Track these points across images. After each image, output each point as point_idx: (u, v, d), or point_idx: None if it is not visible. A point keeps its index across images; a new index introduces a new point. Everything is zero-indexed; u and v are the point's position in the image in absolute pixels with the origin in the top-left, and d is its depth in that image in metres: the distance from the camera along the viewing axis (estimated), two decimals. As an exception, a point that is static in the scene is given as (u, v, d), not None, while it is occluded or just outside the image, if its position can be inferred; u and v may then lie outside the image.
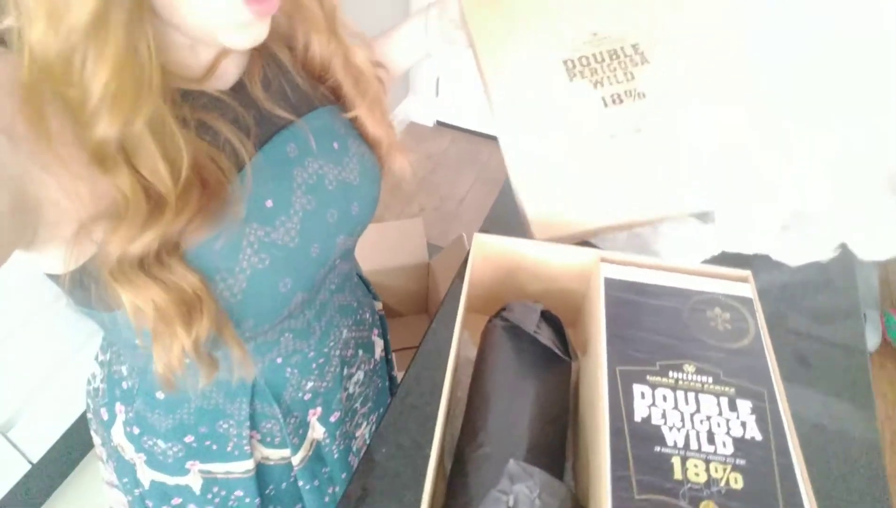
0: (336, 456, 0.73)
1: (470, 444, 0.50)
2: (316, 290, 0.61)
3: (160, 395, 0.62)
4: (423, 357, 0.67)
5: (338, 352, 0.69)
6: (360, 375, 0.75)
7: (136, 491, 0.69)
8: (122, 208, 0.41)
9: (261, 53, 0.55)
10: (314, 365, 0.66)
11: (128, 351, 0.61)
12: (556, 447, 0.52)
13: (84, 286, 0.46)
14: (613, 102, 0.65)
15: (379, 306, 0.84)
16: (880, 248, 0.68)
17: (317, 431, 0.71)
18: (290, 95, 0.56)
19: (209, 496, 0.68)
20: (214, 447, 0.65)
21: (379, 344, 0.81)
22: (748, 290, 0.57)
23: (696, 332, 0.53)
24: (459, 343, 0.54)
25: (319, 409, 0.69)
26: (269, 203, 0.51)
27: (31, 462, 1.35)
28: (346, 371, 0.71)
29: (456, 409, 0.58)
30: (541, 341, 0.54)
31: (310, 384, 0.67)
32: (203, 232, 0.46)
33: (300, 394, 0.66)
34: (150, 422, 0.63)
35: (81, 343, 1.40)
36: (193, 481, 0.67)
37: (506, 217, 0.82)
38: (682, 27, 0.66)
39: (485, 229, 0.81)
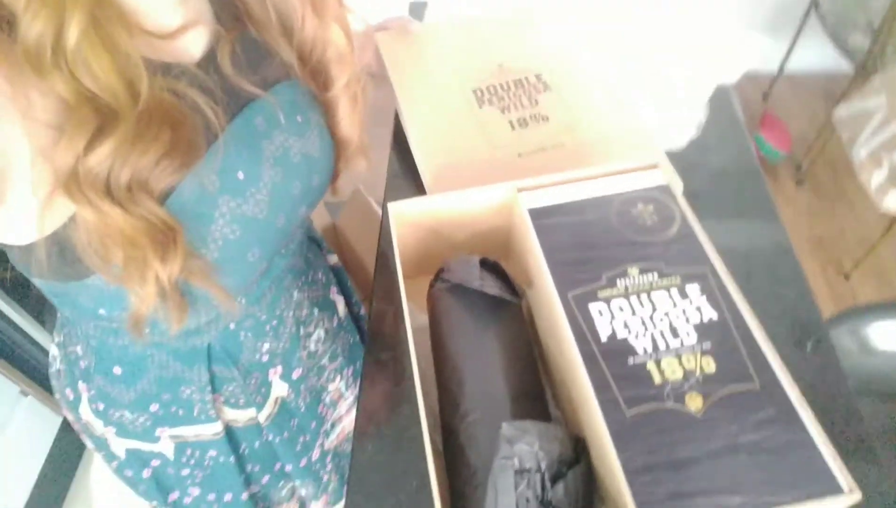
0: (303, 409, 0.74)
1: (455, 416, 0.50)
2: (276, 257, 0.61)
3: (117, 370, 0.62)
4: (377, 341, 0.65)
5: (291, 313, 0.69)
6: (320, 333, 0.75)
7: (114, 463, 0.72)
8: (66, 116, 0.40)
9: (234, 26, 0.54)
10: (267, 327, 0.66)
11: (84, 328, 0.62)
12: (535, 386, 0.52)
13: (60, 252, 0.45)
14: (520, 125, 0.74)
15: (333, 259, 0.85)
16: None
17: (280, 388, 0.71)
18: (258, 67, 0.55)
19: (183, 458, 0.70)
20: (181, 412, 0.66)
21: (340, 301, 0.81)
22: (660, 177, 0.58)
23: (629, 233, 0.54)
24: (412, 322, 0.52)
25: (280, 368, 0.70)
26: (241, 175, 0.51)
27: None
28: (302, 331, 0.71)
29: (425, 382, 0.57)
30: (488, 292, 0.53)
31: (266, 346, 0.67)
32: (173, 176, 0.45)
33: (257, 355, 0.67)
34: (113, 396, 0.64)
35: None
36: (165, 447, 0.69)
37: (402, 175, 0.78)
38: (576, 58, 0.81)
39: (389, 195, 0.78)
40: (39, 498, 1.38)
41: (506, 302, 0.55)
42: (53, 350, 0.71)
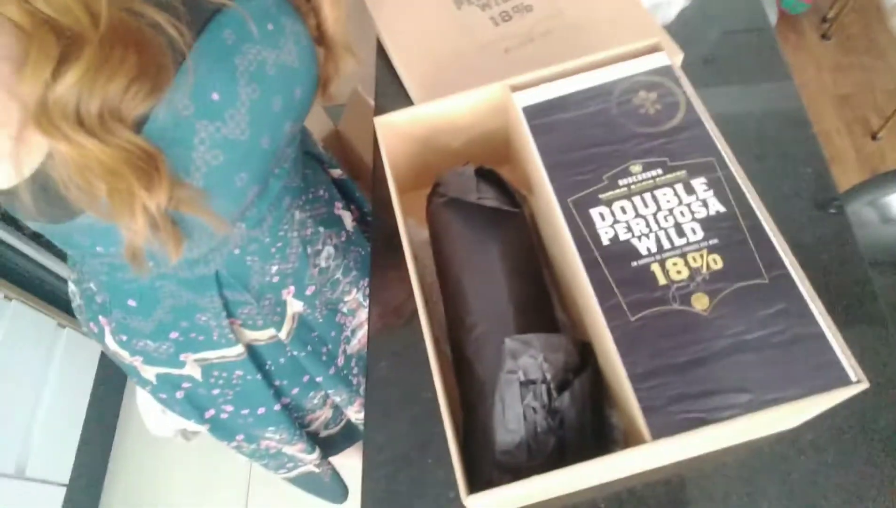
0: (322, 321, 0.76)
1: (461, 330, 0.50)
2: (268, 180, 0.59)
3: (132, 303, 0.63)
4: (379, 256, 0.64)
5: (295, 233, 0.68)
6: (329, 250, 0.74)
7: (147, 388, 0.74)
8: (25, 47, 0.38)
9: None
10: (273, 250, 0.66)
11: (91, 266, 0.61)
12: (539, 296, 0.51)
13: (43, 193, 0.44)
14: (503, 19, 0.71)
15: (337, 173, 0.83)
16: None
17: (295, 306, 0.72)
18: None
19: (212, 380, 0.72)
20: (201, 338, 0.67)
21: (347, 216, 0.80)
22: (663, 58, 0.53)
23: (631, 126, 0.50)
24: (410, 238, 0.50)
25: (292, 287, 0.70)
26: (216, 96, 0.48)
27: (63, 485, 1.36)
28: (309, 250, 0.71)
29: (433, 295, 0.57)
30: (486, 204, 0.51)
31: (274, 268, 0.67)
32: (145, 102, 0.43)
33: (267, 278, 0.67)
34: (133, 327, 0.65)
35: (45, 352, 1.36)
36: (193, 370, 0.71)
37: (391, 83, 0.74)
38: None
39: (379, 106, 0.74)
40: (94, 421, 1.49)
41: (506, 212, 0.53)
42: (71, 287, 0.72)
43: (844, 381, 0.39)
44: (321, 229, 0.72)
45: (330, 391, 0.82)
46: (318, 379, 0.80)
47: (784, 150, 0.63)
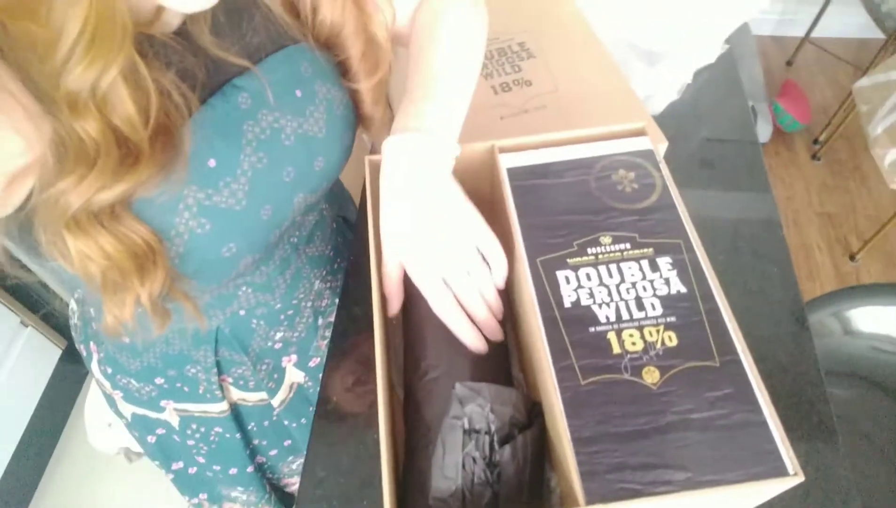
0: (318, 396, 0.71)
1: (415, 374, 0.50)
2: (271, 249, 0.56)
3: (126, 339, 0.61)
4: (349, 295, 0.65)
5: (310, 303, 0.66)
6: None
7: (122, 422, 0.72)
8: (91, 155, 0.38)
9: None
10: (282, 317, 0.63)
11: (91, 292, 0.59)
12: (498, 348, 0.52)
13: (23, 237, 0.43)
14: (503, 89, 0.75)
15: None
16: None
17: (295, 375, 0.69)
18: (250, 34, 0.48)
19: (189, 430, 0.69)
20: (186, 388, 0.64)
21: None
22: (647, 142, 0.56)
23: (607, 200, 0.52)
24: (380, 283, 0.51)
25: (294, 356, 0.68)
26: (212, 163, 0.46)
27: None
28: (321, 321, 0.69)
29: (395, 339, 0.57)
30: None
31: (279, 335, 0.65)
32: (155, 186, 0.42)
33: (269, 343, 0.64)
34: (121, 363, 0.63)
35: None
36: (171, 417, 0.68)
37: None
38: (558, 26, 0.81)
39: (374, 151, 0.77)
40: (38, 426, 1.43)
41: None
42: (72, 304, 0.69)
43: (782, 472, 0.39)
44: (338, 300, 0.69)
45: None
46: (298, 459, 0.77)
47: (755, 250, 0.66)
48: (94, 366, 0.67)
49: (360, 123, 0.58)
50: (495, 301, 0.50)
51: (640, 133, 0.57)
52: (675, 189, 0.52)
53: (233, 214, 0.47)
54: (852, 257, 1.77)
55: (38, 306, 1.42)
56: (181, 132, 0.42)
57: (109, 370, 0.65)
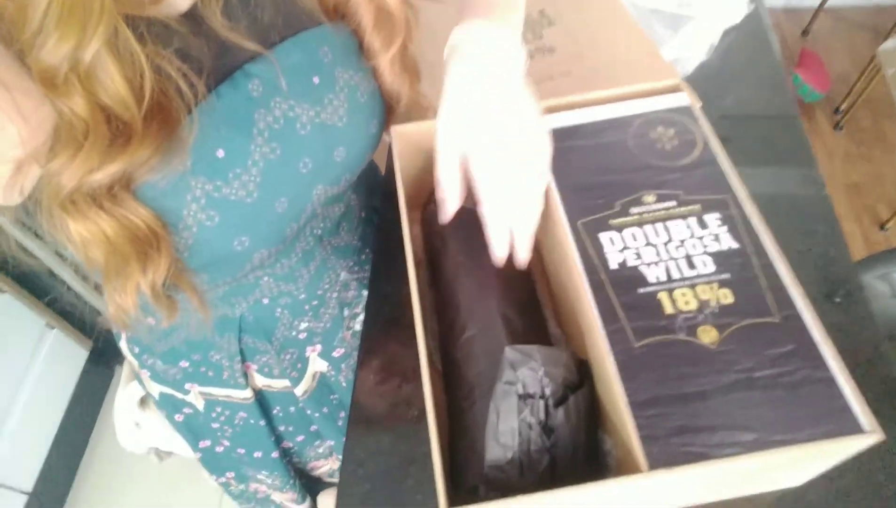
0: (345, 385, 0.70)
1: (451, 335, 0.48)
2: (291, 241, 0.54)
3: (151, 321, 0.58)
4: (380, 274, 0.63)
5: (335, 294, 0.64)
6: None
7: (151, 399, 0.71)
8: (79, 134, 0.36)
9: None
10: (307, 307, 0.62)
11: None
12: (532, 304, 0.50)
13: (29, 223, 0.42)
14: (541, 52, 0.72)
15: None
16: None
17: (319, 365, 0.68)
18: (265, 16, 0.45)
19: (213, 414, 0.68)
20: (210, 373, 0.63)
21: None
22: (684, 98, 0.53)
23: (647, 158, 0.50)
24: (416, 250, 0.49)
25: (319, 346, 0.66)
26: (221, 153, 0.43)
27: (25, 493, 1.31)
28: (346, 312, 0.67)
29: (427, 306, 0.55)
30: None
31: (304, 325, 0.63)
32: (156, 169, 0.40)
33: (293, 333, 0.63)
34: (147, 343, 0.62)
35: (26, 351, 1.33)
36: (196, 400, 0.67)
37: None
38: None
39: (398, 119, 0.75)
40: (69, 428, 1.44)
41: None
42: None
43: (856, 429, 0.37)
44: (364, 292, 0.67)
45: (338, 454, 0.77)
46: (330, 442, 0.75)
47: (802, 216, 0.63)
48: (123, 344, 0.67)
49: (387, 104, 0.55)
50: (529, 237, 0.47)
51: (675, 89, 0.54)
52: (718, 143, 0.50)
53: (244, 206, 0.44)
54: (882, 226, 1.72)
55: (62, 308, 1.42)
56: (180, 115, 0.40)
57: (136, 350, 0.65)
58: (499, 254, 0.46)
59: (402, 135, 0.55)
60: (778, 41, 0.84)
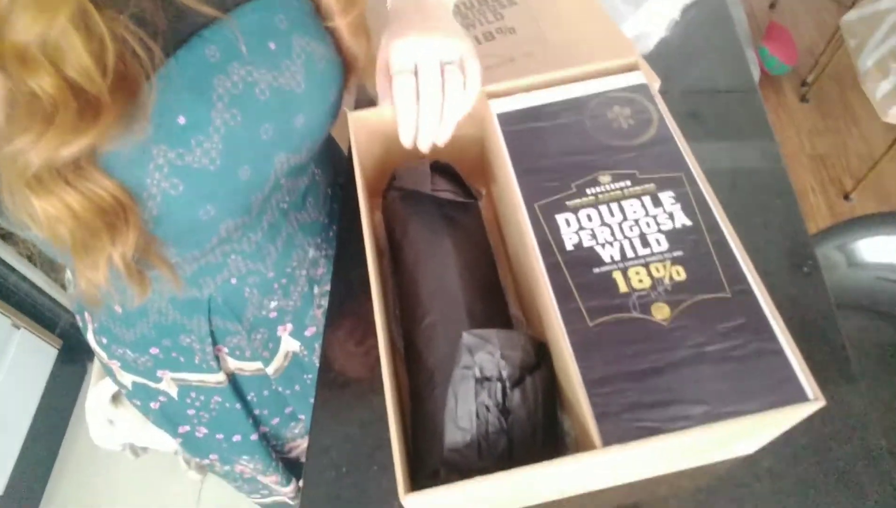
0: (317, 364, 0.69)
1: (412, 321, 0.49)
2: (256, 213, 0.53)
3: (118, 309, 0.59)
4: (348, 251, 0.63)
5: (304, 272, 0.64)
6: None
7: (123, 391, 0.70)
8: (47, 111, 0.35)
9: None
10: (276, 285, 0.62)
11: (64, 256, 0.58)
12: (493, 288, 0.51)
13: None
14: (486, 39, 0.72)
15: None
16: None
17: (290, 344, 0.68)
18: None
19: (188, 400, 0.68)
20: (182, 358, 0.63)
21: None
22: (640, 77, 0.54)
23: (603, 138, 0.50)
24: (376, 236, 0.49)
25: (290, 325, 0.66)
26: (182, 120, 0.43)
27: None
28: (316, 290, 0.67)
29: (390, 290, 0.55)
30: (440, 197, 0.51)
31: (273, 304, 0.63)
32: (119, 138, 0.39)
33: (263, 312, 0.63)
34: (115, 333, 0.62)
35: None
36: (169, 387, 0.66)
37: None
38: None
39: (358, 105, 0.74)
40: (41, 428, 1.42)
41: (461, 205, 0.52)
42: (68, 274, 0.67)
43: (801, 398, 0.38)
44: (332, 266, 0.67)
45: None
46: (301, 416, 0.76)
47: (758, 186, 0.64)
48: (90, 336, 0.66)
49: (346, 66, 0.55)
50: (456, 110, 0.50)
51: (632, 68, 0.54)
52: (673, 122, 0.50)
53: (207, 174, 0.44)
54: (846, 197, 1.76)
55: (29, 307, 1.39)
56: (140, 81, 0.40)
57: (105, 341, 0.64)
58: (404, 140, 0.50)
59: (360, 121, 0.54)
60: (745, 14, 0.85)
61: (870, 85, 1.36)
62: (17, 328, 1.38)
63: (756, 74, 1.94)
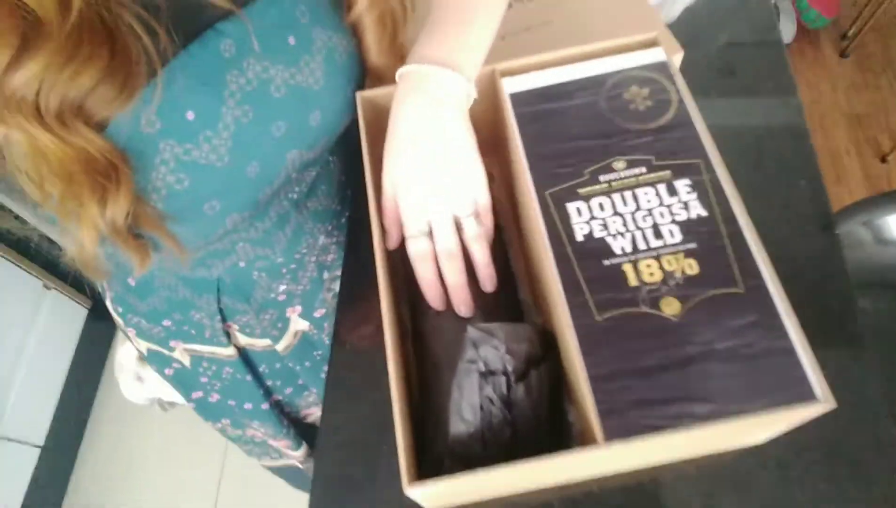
0: (328, 342, 0.71)
1: (419, 309, 0.49)
2: (264, 206, 0.53)
3: (131, 281, 0.60)
4: (360, 235, 0.63)
5: (314, 258, 0.64)
6: None
7: (139, 354, 0.73)
8: None
9: None
10: (284, 270, 0.62)
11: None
12: (502, 274, 0.50)
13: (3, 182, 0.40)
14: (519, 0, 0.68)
15: None
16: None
17: (300, 324, 0.69)
18: None
19: (200, 369, 0.70)
20: (193, 331, 0.65)
21: None
22: (660, 53, 0.51)
23: (619, 121, 0.48)
24: (381, 227, 0.49)
25: (299, 307, 0.67)
26: (191, 115, 0.42)
27: (38, 446, 1.36)
28: (326, 275, 0.67)
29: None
30: None
31: (282, 287, 0.64)
32: (109, 107, 0.38)
33: (272, 295, 0.64)
34: (130, 303, 0.63)
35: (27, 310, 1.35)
36: (182, 356, 0.68)
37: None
38: None
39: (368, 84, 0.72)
40: (74, 385, 1.48)
41: None
42: None
43: (810, 399, 0.37)
44: (344, 249, 0.67)
45: None
46: (314, 389, 0.77)
47: (781, 161, 0.62)
48: (109, 303, 0.68)
49: (369, 75, 0.54)
50: (482, 257, 0.48)
51: (652, 44, 0.52)
52: (693, 103, 0.48)
53: (214, 170, 0.44)
54: (883, 159, 1.69)
55: (58, 269, 1.44)
56: (140, 58, 0.38)
57: (120, 310, 0.66)
58: (432, 303, 0.48)
59: (369, 101, 0.53)
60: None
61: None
62: (48, 288, 1.43)
63: (792, 28, 1.85)
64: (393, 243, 0.49)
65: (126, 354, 1.03)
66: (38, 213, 0.44)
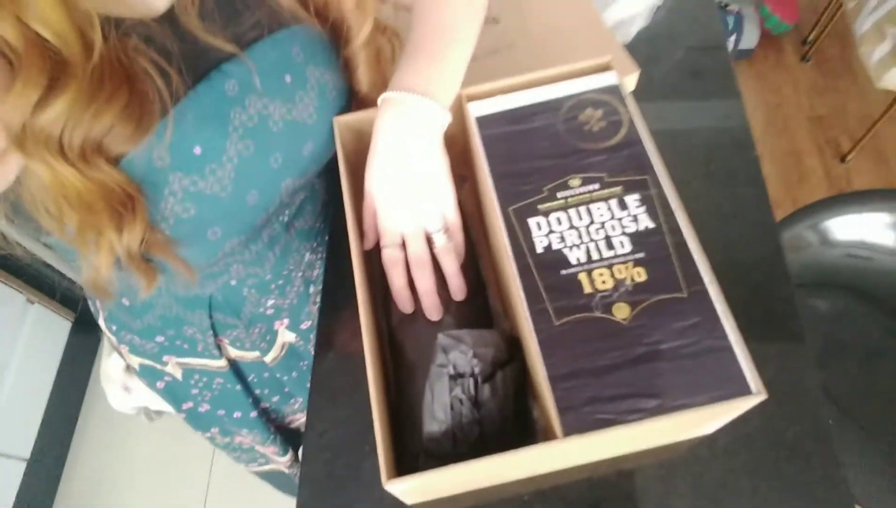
0: (314, 353, 0.74)
1: (393, 315, 0.53)
2: (258, 229, 0.57)
3: (125, 301, 0.63)
4: (340, 246, 0.66)
5: (300, 274, 0.68)
6: None
7: (135, 377, 0.76)
8: (11, 61, 0.36)
9: None
10: (273, 286, 0.66)
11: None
12: (473, 282, 0.54)
13: (13, 210, 0.43)
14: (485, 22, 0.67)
15: None
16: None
17: (287, 336, 0.72)
18: (239, 18, 0.48)
19: (192, 381, 0.73)
20: (185, 346, 0.68)
21: None
22: (613, 77, 0.56)
23: (575, 142, 0.53)
24: (360, 241, 0.53)
25: (287, 320, 0.71)
26: (198, 150, 0.45)
27: (24, 459, 1.37)
28: (312, 289, 0.71)
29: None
30: None
31: (271, 302, 0.67)
32: (126, 145, 0.42)
33: (261, 309, 0.67)
34: (124, 321, 0.66)
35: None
36: (174, 370, 0.72)
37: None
38: None
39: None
40: (60, 397, 1.49)
41: None
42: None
43: (745, 392, 0.42)
44: (325, 258, 0.70)
45: None
46: (299, 398, 0.81)
47: (728, 169, 0.67)
48: (102, 322, 0.71)
49: (356, 101, 0.58)
50: (451, 268, 0.52)
51: (605, 68, 0.56)
52: (643, 123, 0.53)
53: (218, 200, 0.47)
54: (843, 159, 1.77)
55: (42, 283, 1.45)
56: (154, 98, 0.42)
57: (114, 328, 0.68)
58: (402, 308, 0.52)
59: (345, 124, 0.57)
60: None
61: (866, 48, 1.35)
62: (32, 303, 1.44)
63: (756, 34, 1.92)
64: (368, 245, 0.54)
65: (113, 364, 1.05)
66: (43, 240, 0.47)
